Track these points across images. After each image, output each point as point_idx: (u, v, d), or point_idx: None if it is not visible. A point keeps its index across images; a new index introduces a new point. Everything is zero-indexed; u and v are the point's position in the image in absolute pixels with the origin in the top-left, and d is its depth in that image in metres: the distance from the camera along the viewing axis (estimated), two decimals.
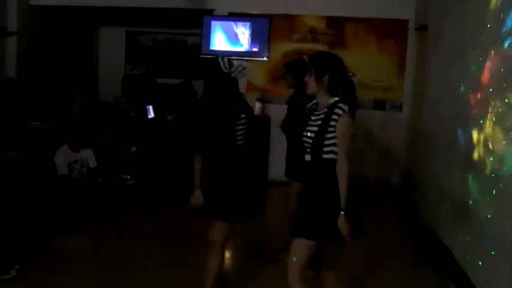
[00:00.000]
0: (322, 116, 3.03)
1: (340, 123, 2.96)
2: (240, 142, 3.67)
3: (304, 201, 3.13)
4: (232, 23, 7.99)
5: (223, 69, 3.71)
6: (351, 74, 3.77)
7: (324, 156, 3.02)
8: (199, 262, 4.80)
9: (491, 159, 3.95)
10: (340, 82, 3.10)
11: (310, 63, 3.12)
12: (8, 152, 5.02)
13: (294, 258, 3.11)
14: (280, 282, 3.36)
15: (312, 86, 3.09)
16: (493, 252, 3.75)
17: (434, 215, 5.61)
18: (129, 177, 7.21)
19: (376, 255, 5.11)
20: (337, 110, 2.99)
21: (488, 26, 4.27)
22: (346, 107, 3.00)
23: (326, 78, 3.03)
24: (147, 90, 10.78)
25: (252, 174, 3.87)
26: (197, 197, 3.74)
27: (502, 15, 3.94)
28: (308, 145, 3.07)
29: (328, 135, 2.99)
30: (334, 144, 2.99)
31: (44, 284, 4.19)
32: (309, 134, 3.07)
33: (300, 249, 3.10)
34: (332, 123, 2.98)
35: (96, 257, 4.78)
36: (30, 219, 5.24)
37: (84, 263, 4.60)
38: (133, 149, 7.63)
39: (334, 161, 2.99)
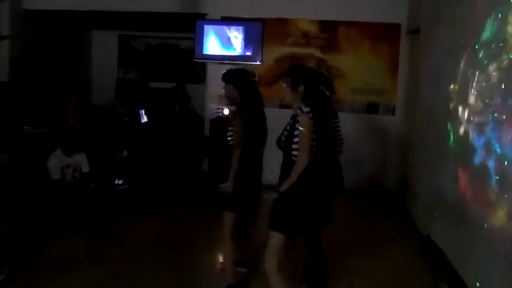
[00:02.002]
0: (291, 120, 3.41)
1: (299, 122, 3.30)
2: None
3: (276, 198, 3.44)
4: (225, 27, 8.00)
5: (252, 78, 4.26)
6: (322, 87, 4.11)
7: (293, 158, 3.34)
8: (194, 266, 4.82)
9: (485, 162, 3.96)
10: (314, 92, 3.45)
11: (286, 74, 3.46)
12: (0, 155, 4.98)
13: (269, 249, 3.44)
14: None
15: (288, 95, 3.44)
16: (486, 254, 3.76)
17: (428, 218, 5.62)
18: (121, 181, 7.16)
19: (370, 258, 5.12)
20: (298, 111, 3.35)
21: (479, 29, 4.29)
22: (306, 109, 3.33)
23: (301, 87, 3.38)
24: (140, 94, 10.77)
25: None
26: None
27: (491, 18, 3.96)
28: (282, 147, 3.44)
29: (296, 139, 3.32)
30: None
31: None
32: (283, 138, 3.44)
33: (271, 240, 3.42)
34: (297, 125, 3.32)
35: (89, 262, 4.76)
36: (23, 223, 5.20)
37: (78, 268, 4.58)
38: (125, 153, 7.60)
39: None
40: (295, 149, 3.33)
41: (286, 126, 3.47)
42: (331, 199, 4.16)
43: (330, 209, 3.93)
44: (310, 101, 3.37)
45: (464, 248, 4.29)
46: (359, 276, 4.67)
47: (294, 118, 3.37)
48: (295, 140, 3.33)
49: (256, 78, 4.18)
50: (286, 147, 3.39)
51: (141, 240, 5.39)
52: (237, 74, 4.20)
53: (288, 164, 3.40)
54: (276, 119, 4.70)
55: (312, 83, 3.43)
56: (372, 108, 8.13)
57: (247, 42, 7.93)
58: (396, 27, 7.97)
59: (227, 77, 4.17)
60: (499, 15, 3.85)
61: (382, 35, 8.01)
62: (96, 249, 5.14)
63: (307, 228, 3.53)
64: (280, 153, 3.51)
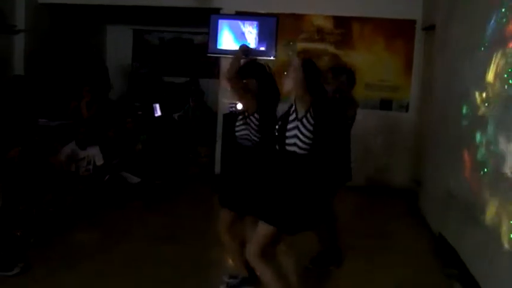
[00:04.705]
0: (287, 110, 3.34)
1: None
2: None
3: (271, 189, 3.32)
4: (240, 22, 7.98)
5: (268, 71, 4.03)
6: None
7: (287, 147, 3.25)
8: (205, 259, 4.85)
9: (499, 160, 3.94)
10: (317, 86, 3.32)
11: (303, 67, 3.25)
12: (12, 149, 5.04)
13: (255, 238, 3.36)
14: None
15: (299, 88, 3.22)
16: (498, 252, 3.74)
17: (440, 216, 5.59)
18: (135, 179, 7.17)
19: (381, 255, 5.11)
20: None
21: (496, 26, 4.25)
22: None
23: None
24: (153, 88, 10.83)
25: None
26: None
27: (508, 14, 3.93)
28: (276, 136, 3.36)
29: (289, 126, 3.25)
30: (295, 136, 3.22)
31: (50, 279, 4.20)
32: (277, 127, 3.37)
33: (260, 231, 3.32)
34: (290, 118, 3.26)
35: (102, 254, 4.80)
36: (36, 215, 5.26)
37: (90, 260, 4.62)
38: (139, 146, 7.65)
39: (297, 154, 3.23)
40: (289, 137, 3.23)
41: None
42: (340, 187, 4.36)
43: (330, 206, 3.88)
44: (315, 94, 3.27)
45: (477, 247, 4.27)
46: (369, 273, 4.66)
47: (290, 108, 3.28)
48: (289, 126, 3.24)
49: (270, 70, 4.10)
50: (279, 137, 3.29)
51: (153, 234, 5.43)
52: (256, 67, 4.05)
53: (283, 155, 3.30)
54: None
55: (313, 75, 3.31)
56: (385, 104, 8.09)
57: (261, 37, 7.91)
58: (411, 23, 7.91)
59: (247, 71, 4.00)
60: None
61: (396, 31, 7.96)
62: (107, 242, 5.18)
63: (302, 225, 3.36)
64: None
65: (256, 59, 4.45)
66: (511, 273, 3.52)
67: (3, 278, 4.10)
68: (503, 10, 4.10)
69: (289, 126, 3.25)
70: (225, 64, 8.27)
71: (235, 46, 8.00)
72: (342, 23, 8.07)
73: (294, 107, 3.27)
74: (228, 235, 4.02)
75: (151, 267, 4.53)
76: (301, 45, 8.10)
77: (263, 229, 3.31)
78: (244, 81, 3.95)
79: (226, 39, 8.03)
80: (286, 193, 3.25)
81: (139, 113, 9.23)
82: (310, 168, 3.29)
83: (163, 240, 5.23)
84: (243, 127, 3.90)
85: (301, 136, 3.21)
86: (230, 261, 4.59)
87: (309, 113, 3.22)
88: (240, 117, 3.96)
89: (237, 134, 3.93)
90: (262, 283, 3.45)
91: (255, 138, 3.84)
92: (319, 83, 3.38)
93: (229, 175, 4.05)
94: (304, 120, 3.22)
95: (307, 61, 3.36)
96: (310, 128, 3.22)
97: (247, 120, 3.86)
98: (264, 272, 3.38)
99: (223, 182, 4.05)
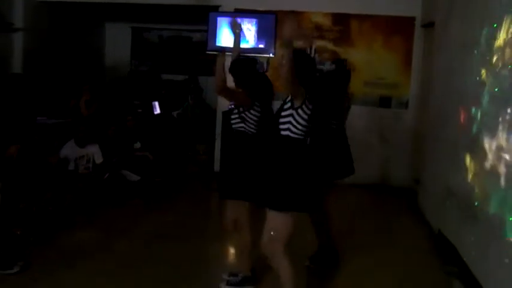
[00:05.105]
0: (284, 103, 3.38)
1: None
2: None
3: (273, 175, 3.32)
4: (239, 20, 7.98)
5: (261, 69, 3.95)
6: None
7: (282, 132, 3.29)
8: (205, 257, 4.85)
9: (498, 157, 3.93)
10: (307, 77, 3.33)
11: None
12: (10, 146, 5.04)
13: (272, 231, 3.32)
14: None
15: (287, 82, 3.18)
16: (497, 249, 3.74)
17: (439, 213, 5.59)
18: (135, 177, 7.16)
19: (380, 252, 5.11)
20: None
21: (495, 22, 4.24)
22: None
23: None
24: (152, 86, 10.82)
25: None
26: None
27: (508, 11, 3.92)
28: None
29: (284, 113, 3.30)
30: (289, 123, 3.26)
31: (50, 278, 4.20)
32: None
33: (276, 221, 3.29)
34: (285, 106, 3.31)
35: (102, 253, 4.79)
36: (36, 214, 5.26)
37: (90, 258, 4.62)
38: (138, 145, 7.64)
39: (291, 137, 3.26)
40: (282, 123, 3.29)
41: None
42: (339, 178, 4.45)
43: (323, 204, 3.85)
44: (308, 85, 3.29)
45: (476, 243, 4.27)
46: (369, 271, 4.66)
47: (287, 97, 3.32)
48: (283, 114, 3.29)
49: (265, 68, 4.01)
50: (275, 122, 3.35)
51: (152, 232, 5.43)
52: (240, 66, 4.10)
53: (277, 140, 3.33)
54: None
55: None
56: (384, 101, 8.09)
57: (260, 34, 7.91)
58: (410, 20, 7.91)
59: (237, 70, 4.09)
60: None
61: (396, 28, 7.95)
62: (106, 240, 5.18)
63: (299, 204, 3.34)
64: None
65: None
66: (511, 270, 3.52)
67: (3, 276, 4.11)
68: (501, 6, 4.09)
69: (284, 113, 3.30)
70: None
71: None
72: (340, 20, 8.06)
73: (290, 97, 3.31)
74: (248, 225, 4.01)
75: (151, 267, 4.52)
76: (300, 43, 8.08)
77: (282, 218, 3.29)
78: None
79: (225, 37, 8.01)
80: (282, 175, 3.27)
81: (139, 111, 9.22)
82: (304, 150, 3.32)
83: (163, 239, 5.23)
84: (238, 120, 3.98)
85: (295, 123, 3.27)
86: (231, 259, 4.61)
87: (304, 104, 3.26)
88: (235, 111, 4.02)
89: (233, 126, 4.02)
90: (281, 280, 3.41)
91: (252, 130, 3.92)
92: (311, 74, 3.38)
93: (228, 164, 4.03)
94: (299, 110, 3.26)
95: (295, 52, 3.27)
96: (306, 117, 3.27)
97: (243, 115, 3.94)
98: (285, 271, 3.36)
99: (222, 176, 4.02)
